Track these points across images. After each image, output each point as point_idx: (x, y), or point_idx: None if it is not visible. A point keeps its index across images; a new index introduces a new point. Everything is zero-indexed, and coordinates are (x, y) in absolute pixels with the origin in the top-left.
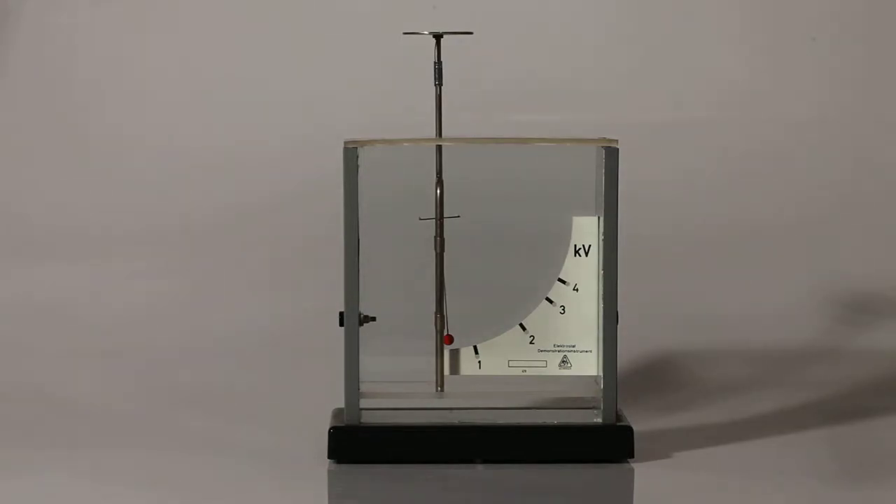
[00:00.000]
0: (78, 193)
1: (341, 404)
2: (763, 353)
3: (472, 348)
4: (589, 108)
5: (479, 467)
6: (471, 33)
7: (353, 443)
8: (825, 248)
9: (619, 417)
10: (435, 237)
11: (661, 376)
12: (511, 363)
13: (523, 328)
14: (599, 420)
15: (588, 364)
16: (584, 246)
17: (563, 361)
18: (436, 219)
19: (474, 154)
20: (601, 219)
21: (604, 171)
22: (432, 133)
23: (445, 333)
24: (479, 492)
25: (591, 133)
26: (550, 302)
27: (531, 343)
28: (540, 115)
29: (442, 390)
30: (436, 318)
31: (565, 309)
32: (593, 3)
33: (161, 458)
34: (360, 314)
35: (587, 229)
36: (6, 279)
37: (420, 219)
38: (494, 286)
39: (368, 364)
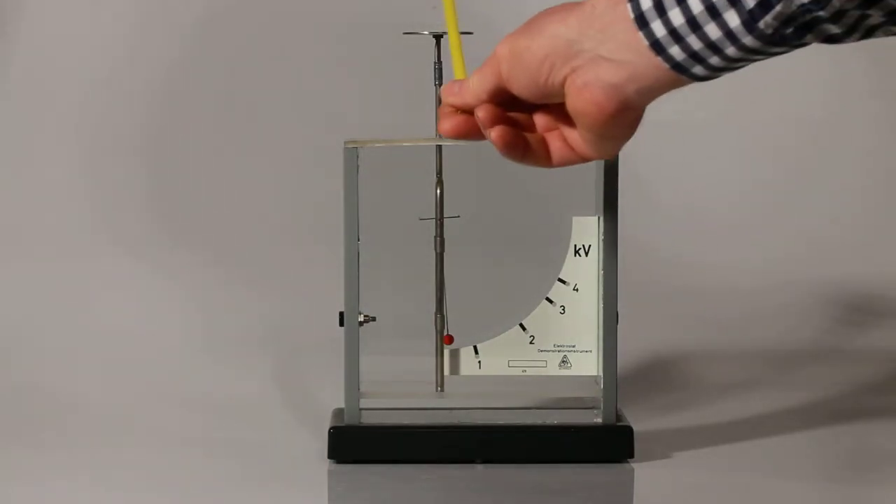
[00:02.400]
0: (72, 189)
1: (341, 404)
2: (763, 353)
3: (472, 348)
4: None
5: (479, 467)
6: (471, 33)
7: (353, 443)
8: (825, 248)
9: (619, 417)
10: (435, 237)
11: (661, 376)
12: (511, 363)
13: (523, 328)
14: (599, 420)
15: (588, 364)
16: (584, 246)
17: (563, 361)
18: (436, 219)
19: (474, 154)
20: (601, 219)
21: (604, 171)
22: (432, 133)
23: (445, 333)
24: (479, 492)
25: None
26: (550, 302)
27: (531, 343)
28: None
29: (442, 390)
30: (436, 318)
31: (565, 309)
32: None
33: (161, 459)
34: (360, 314)
35: (587, 229)
36: (4, 279)
37: (420, 219)
38: (494, 286)
39: (368, 364)
